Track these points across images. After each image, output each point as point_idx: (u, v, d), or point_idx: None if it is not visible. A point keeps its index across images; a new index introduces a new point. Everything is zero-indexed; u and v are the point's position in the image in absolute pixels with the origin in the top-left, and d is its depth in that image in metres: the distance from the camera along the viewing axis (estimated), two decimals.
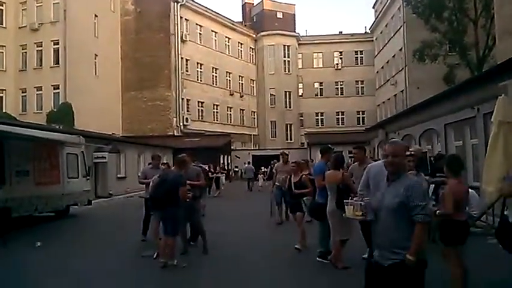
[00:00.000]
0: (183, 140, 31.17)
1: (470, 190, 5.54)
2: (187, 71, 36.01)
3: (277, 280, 5.73)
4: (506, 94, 8.03)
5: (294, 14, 46.08)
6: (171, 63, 34.20)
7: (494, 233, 5.53)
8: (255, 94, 44.74)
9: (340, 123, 44.57)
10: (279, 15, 44.65)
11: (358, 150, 6.53)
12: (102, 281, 5.75)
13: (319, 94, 46.15)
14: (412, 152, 5.56)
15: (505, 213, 4.49)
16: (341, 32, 47.16)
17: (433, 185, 7.47)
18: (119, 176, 21.91)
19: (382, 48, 39.42)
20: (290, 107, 44.26)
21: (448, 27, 23.59)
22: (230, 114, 41.29)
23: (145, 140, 27.97)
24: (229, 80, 41.36)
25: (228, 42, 41.57)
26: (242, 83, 43.05)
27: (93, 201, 14.82)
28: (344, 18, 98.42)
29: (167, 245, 6.37)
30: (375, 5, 43.57)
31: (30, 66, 28.58)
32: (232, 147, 37.35)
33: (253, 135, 43.73)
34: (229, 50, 41.59)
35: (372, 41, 43.35)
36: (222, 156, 32.99)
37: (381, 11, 39.25)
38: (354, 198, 3.52)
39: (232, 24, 42.16)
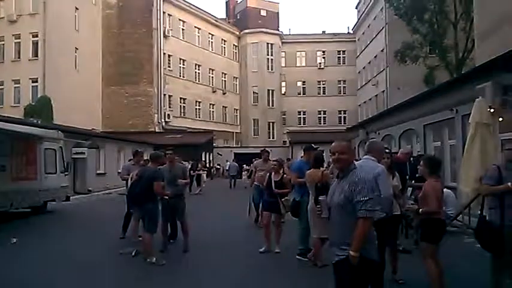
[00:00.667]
0: (165, 137, 30.91)
1: (446, 190, 5.65)
2: (169, 66, 35.71)
3: (256, 279, 5.73)
4: (484, 96, 8.23)
5: (278, 13, 46.25)
6: (153, 58, 33.86)
7: (472, 233, 5.65)
8: (237, 92, 44.68)
9: (322, 122, 44.91)
10: (263, 13, 44.69)
11: None
12: (78, 278, 5.65)
13: (301, 93, 46.40)
14: (387, 150, 5.60)
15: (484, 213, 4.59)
16: (324, 31, 47.55)
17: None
18: (98, 172, 21.59)
19: (364, 48, 39.86)
20: (273, 105, 44.37)
21: (429, 29, 24.04)
22: (212, 112, 41.14)
23: (125, 136, 27.60)
24: (212, 77, 41.19)
25: (212, 38, 41.39)
26: (225, 80, 42.93)
27: (71, 198, 14.56)
28: (327, 18, 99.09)
29: (143, 241, 6.36)
30: (357, 5, 44.02)
31: (8, 58, 27.77)
32: (214, 144, 37.23)
33: (236, 132, 43.69)
34: (212, 47, 41.41)
35: (355, 41, 43.81)
36: (204, 154, 32.84)
37: (363, 12, 39.67)
38: None
39: (216, 21, 41.97)
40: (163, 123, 34.35)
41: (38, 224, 10.62)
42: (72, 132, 18.79)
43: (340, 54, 45.83)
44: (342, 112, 44.96)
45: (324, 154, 6.35)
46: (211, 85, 40.80)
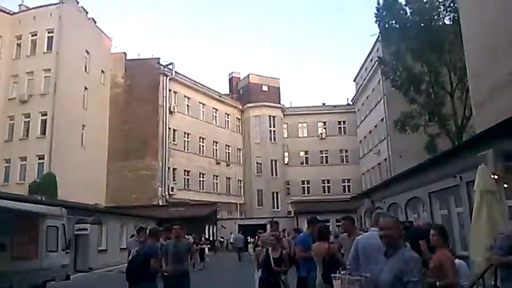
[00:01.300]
0: (168, 210, 30.62)
1: (458, 260, 5.48)
2: (174, 140, 36.34)
3: None
4: (486, 163, 8.23)
5: (279, 87, 47.90)
6: (159, 133, 34.57)
7: None
8: (241, 163, 45.01)
9: (326, 191, 44.58)
10: (265, 88, 46.33)
11: (347, 221, 6.28)
12: None
13: (304, 162, 46.65)
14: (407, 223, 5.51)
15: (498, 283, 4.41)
16: (324, 103, 48.80)
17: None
18: (100, 248, 21.13)
19: (364, 118, 40.69)
20: (276, 175, 44.40)
21: (426, 99, 24.51)
22: (216, 183, 41.12)
23: (129, 210, 27.39)
24: (216, 149, 41.73)
25: (215, 113, 42.57)
26: (229, 152, 43.44)
27: (71, 276, 14.11)
28: (326, 91, 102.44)
29: None
30: (355, 78, 45.70)
31: (17, 136, 28.44)
32: (218, 216, 36.75)
33: (240, 203, 43.28)
34: (216, 121, 42.46)
35: (354, 112, 44.87)
36: (207, 226, 32.30)
37: (361, 84, 41.06)
38: (342, 272, 3.45)
39: (220, 96, 43.45)
40: (167, 196, 34.20)
41: None
42: (76, 208, 18.70)
43: (340, 124, 46.76)
44: (346, 181, 44.82)
45: (330, 224, 6.25)
46: (215, 157, 41.23)
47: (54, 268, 12.39)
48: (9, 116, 28.80)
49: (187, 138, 38.28)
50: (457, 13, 18.70)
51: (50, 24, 29.29)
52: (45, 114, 28.02)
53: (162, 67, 36.01)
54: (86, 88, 31.09)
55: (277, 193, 44.14)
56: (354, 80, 46.28)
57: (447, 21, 23.94)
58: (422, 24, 23.45)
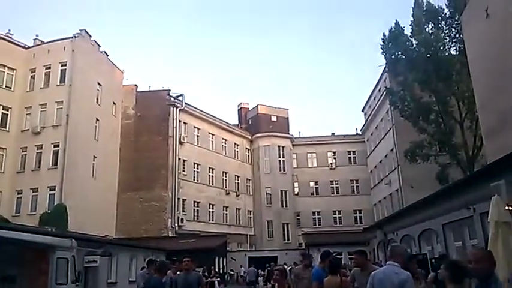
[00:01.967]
0: (178, 242, 30.32)
1: None
2: (184, 171, 36.43)
3: None
4: (499, 194, 8.12)
5: (288, 118, 48.14)
6: (169, 164, 34.74)
7: None
8: (251, 193, 44.79)
9: (338, 223, 43.99)
10: (273, 118, 46.61)
11: (359, 255, 6.14)
12: None
13: (315, 193, 46.28)
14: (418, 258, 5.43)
15: None
16: (333, 133, 48.88)
17: None
18: (109, 281, 20.85)
19: (374, 148, 40.54)
20: (286, 206, 44.01)
21: (436, 129, 24.39)
22: (226, 214, 40.85)
23: (138, 242, 27.20)
24: (226, 180, 41.68)
25: (225, 143, 42.79)
26: (238, 183, 43.34)
27: None
28: (335, 121, 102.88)
29: None
30: (364, 108, 45.88)
31: (29, 168, 28.71)
32: (228, 248, 36.30)
33: (250, 235, 42.80)
34: (225, 151, 42.61)
35: (364, 141, 44.79)
36: (217, 258, 31.87)
37: (370, 114, 41.15)
38: None
39: (229, 127, 43.79)
40: (177, 228, 33.98)
41: None
42: (86, 240, 18.64)
43: (350, 154, 46.59)
44: (357, 212, 44.23)
45: (342, 257, 6.15)
46: (224, 187, 41.13)
47: None
48: (22, 147, 29.16)
49: (197, 168, 38.38)
50: (463, 43, 18.86)
51: (63, 57, 29.98)
52: (57, 146, 28.34)
53: (172, 98, 36.54)
54: (97, 119, 31.57)
55: (287, 224, 43.61)
56: (362, 110, 46.45)
57: (453, 52, 24.13)
58: (428, 55, 23.60)
